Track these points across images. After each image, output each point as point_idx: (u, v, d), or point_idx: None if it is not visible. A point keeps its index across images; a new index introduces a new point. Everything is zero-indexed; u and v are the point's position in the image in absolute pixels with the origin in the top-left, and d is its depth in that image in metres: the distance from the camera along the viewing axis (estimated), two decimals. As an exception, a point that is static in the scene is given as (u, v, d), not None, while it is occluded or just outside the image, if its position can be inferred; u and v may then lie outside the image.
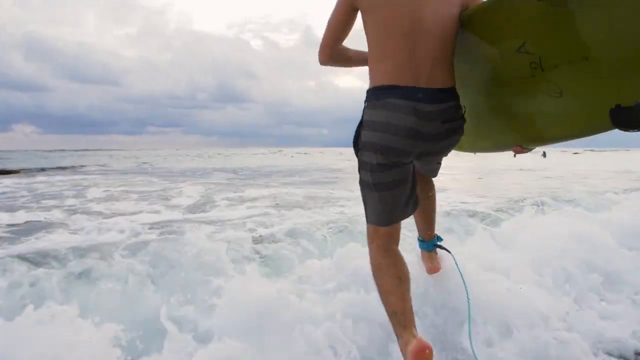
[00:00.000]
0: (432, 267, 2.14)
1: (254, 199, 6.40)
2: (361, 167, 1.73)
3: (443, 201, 5.13)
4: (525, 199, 5.54)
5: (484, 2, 1.64)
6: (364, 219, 1.85)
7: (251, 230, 3.61)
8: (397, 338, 1.58)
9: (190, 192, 7.71)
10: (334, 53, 1.83)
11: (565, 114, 1.57)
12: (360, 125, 1.73)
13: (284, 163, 24.17)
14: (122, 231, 3.56)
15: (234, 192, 7.85)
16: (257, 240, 3.12)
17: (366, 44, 1.72)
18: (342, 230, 3.51)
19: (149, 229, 3.70)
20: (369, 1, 1.66)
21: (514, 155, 1.90)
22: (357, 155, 1.75)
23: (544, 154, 41.85)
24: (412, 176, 1.76)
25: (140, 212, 5.11)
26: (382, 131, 1.61)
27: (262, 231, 3.50)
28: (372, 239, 1.79)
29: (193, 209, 5.49)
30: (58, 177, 12.30)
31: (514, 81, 1.63)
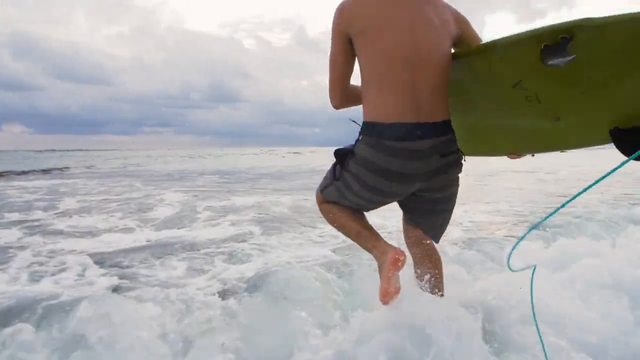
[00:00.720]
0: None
1: (238, 211, 5.94)
2: (344, 184, 1.68)
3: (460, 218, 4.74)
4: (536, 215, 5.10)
5: (480, 45, 1.65)
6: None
7: (222, 282, 2.80)
8: (371, 251, 1.64)
9: (171, 200, 7.26)
10: (344, 95, 1.74)
11: (563, 133, 1.62)
12: (352, 153, 1.64)
13: (275, 164, 23.71)
14: (62, 270, 3.04)
15: (219, 200, 7.39)
16: (225, 295, 2.47)
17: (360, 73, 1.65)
18: (342, 275, 2.73)
19: (100, 268, 3.14)
20: (363, 28, 1.57)
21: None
22: (337, 169, 1.72)
23: (532, 154, 43.06)
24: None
25: (109, 230, 4.64)
26: (376, 173, 1.57)
27: (234, 272, 2.97)
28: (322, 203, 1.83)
29: (169, 224, 5.03)
30: (37, 182, 11.74)
31: (511, 106, 1.64)
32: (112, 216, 5.62)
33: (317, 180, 1.91)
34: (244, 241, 3.97)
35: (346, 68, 1.69)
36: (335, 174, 1.72)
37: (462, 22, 1.71)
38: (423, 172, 1.56)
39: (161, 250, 3.61)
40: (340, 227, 1.78)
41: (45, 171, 17.82)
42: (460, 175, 1.72)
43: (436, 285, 1.77)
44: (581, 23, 1.19)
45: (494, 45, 1.51)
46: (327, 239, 3.89)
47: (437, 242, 1.84)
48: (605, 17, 1.17)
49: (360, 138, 1.62)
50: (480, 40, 1.73)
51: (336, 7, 1.65)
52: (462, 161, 1.68)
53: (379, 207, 1.76)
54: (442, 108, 1.61)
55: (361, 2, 1.62)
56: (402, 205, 1.81)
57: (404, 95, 1.53)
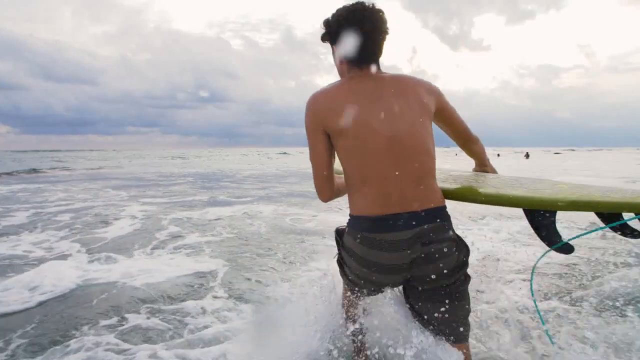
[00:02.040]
0: None
1: (206, 229, 5.01)
2: (344, 266, 1.69)
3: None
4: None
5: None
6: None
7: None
8: None
9: (133, 212, 6.29)
10: (331, 189, 1.67)
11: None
12: (342, 244, 1.67)
13: (258, 166, 22.71)
14: None
15: (189, 210, 6.44)
16: None
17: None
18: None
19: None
20: (339, 128, 1.52)
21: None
22: (338, 248, 1.73)
23: (527, 155, 42.25)
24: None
25: (38, 262, 3.67)
26: (359, 264, 1.56)
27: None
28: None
29: (113, 251, 4.05)
30: (-4, 188, 10.67)
31: None
32: (52, 237, 4.65)
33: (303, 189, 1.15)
34: (200, 297, 2.82)
35: (329, 162, 1.63)
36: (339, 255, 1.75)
37: (437, 96, 1.67)
38: (401, 264, 1.50)
39: (69, 312, 2.58)
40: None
41: (10, 174, 16.64)
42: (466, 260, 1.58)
43: None
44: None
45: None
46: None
47: (459, 341, 1.60)
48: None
49: (347, 230, 1.62)
50: (456, 113, 1.77)
51: (307, 101, 1.61)
52: (456, 249, 1.55)
53: (375, 291, 1.71)
54: (432, 194, 1.55)
55: (331, 98, 1.56)
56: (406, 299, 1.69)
57: (386, 188, 1.50)
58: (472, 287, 1.59)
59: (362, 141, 1.51)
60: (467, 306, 1.58)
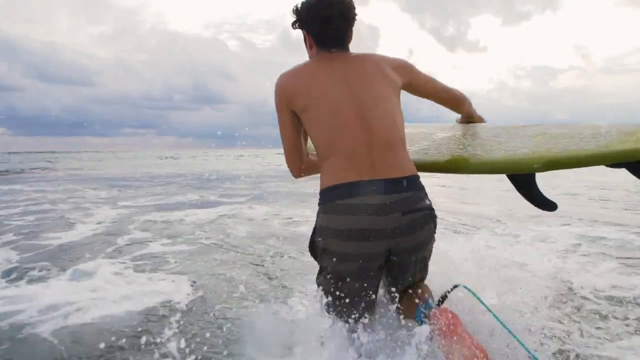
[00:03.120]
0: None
1: (177, 235, 4.21)
2: (322, 272, 1.60)
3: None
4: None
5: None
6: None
7: None
8: None
9: (103, 215, 5.49)
10: (302, 165, 1.71)
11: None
12: (314, 232, 1.62)
13: (249, 167, 21.93)
14: None
15: (166, 213, 5.64)
16: None
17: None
18: None
19: None
20: (305, 104, 1.56)
21: None
22: (316, 260, 1.65)
23: None
24: (377, 283, 1.62)
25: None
26: (339, 237, 1.48)
27: None
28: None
29: (55, 260, 3.27)
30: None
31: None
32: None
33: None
34: (150, 342, 1.86)
35: (297, 139, 1.68)
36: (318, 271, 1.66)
37: (403, 70, 1.71)
38: (384, 229, 1.45)
39: None
40: None
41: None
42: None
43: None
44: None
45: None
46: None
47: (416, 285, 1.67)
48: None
49: (318, 209, 1.57)
50: (431, 79, 1.79)
51: (275, 83, 1.65)
52: (432, 219, 1.56)
53: (361, 299, 1.55)
54: (402, 163, 1.55)
55: (297, 77, 1.62)
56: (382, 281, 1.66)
57: (357, 157, 1.49)
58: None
59: (327, 114, 1.53)
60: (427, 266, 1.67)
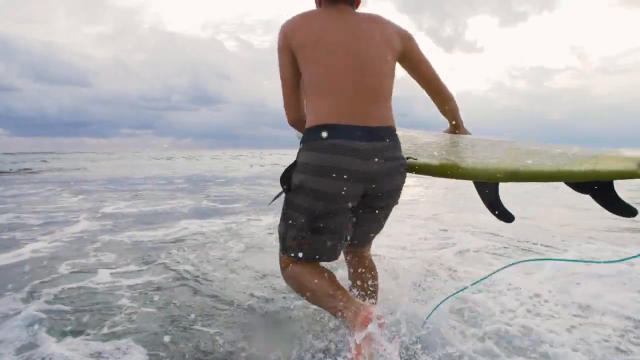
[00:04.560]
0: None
1: (140, 267, 3.36)
2: (293, 208, 1.61)
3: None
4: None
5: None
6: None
7: None
8: (342, 311, 1.47)
9: (60, 235, 4.64)
10: (298, 110, 1.75)
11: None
12: (294, 166, 1.61)
13: (242, 167, 21.09)
14: None
15: (133, 231, 4.81)
16: None
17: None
18: None
19: None
20: (302, 40, 1.61)
21: None
22: (285, 193, 1.65)
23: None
24: (350, 225, 1.66)
25: None
26: (319, 175, 1.51)
27: None
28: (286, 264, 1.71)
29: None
30: None
31: None
32: None
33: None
34: None
35: (296, 82, 1.70)
36: (284, 207, 1.67)
37: (406, 39, 1.74)
38: (365, 172, 1.51)
39: None
40: (310, 292, 1.59)
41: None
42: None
43: (372, 295, 1.85)
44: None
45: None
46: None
47: (365, 246, 1.89)
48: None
49: (301, 147, 1.60)
50: (427, 60, 1.81)
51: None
52: (405, 170, 1.66)
53: (333, 236, 1.60)
54: (384, 114, 1.61)
55: (301, 19, 1.65)
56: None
57: (344, 99, 1.54)
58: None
59: (322, 54, 1.58)
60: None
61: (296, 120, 1.76)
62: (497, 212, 1.73)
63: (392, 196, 1.64)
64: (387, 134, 1.57)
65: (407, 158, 1.69)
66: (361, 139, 1.50)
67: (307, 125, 1.59)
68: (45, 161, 33.78)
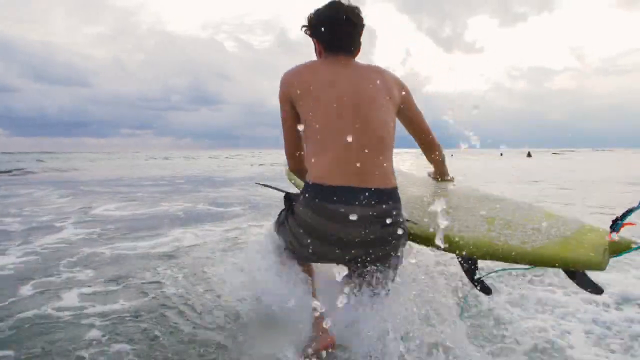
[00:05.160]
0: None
1: (111, 290, 2.91)
2: (289, 232, 1.68)
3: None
4: None
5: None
6: None
7: None
8: (314, 321, 1.59)
9: (33, 246, 4.22)
10: (298, 159, 1.79)
11: None
12: (291, 211, 1.65)
13: (247, 167, 20.64)
14: None
15: (131, 240, 4.36)
16: None
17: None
18: None
19: None
20: (302, 92, 1.60)
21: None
22: (276, 228, 1.81)
23: (529, 154, 42.39)
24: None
25: None
26: (311, 236, 1.55)
27: None
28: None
29: None
30: None
31: None
32: None
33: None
34: None
35: (296, 131, 1.69)
36: (281, 219, 1.75)
37: (405, 91, 1.75)
38: (360, 240, 1.50)
39: None
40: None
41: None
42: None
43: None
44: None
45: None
46: None
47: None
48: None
49: (301, 198, 1.59)
50: (421, 114, 1.83)
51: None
52: (405, 232, 1.61)
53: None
54: (386, 171, 1.57)
55: (301, 70, 1.67)
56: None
57: (343, 155, 1.51)
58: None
59: (323, 107, 1.56)
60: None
61: (296, 170, 1.83)
62: (473, 282, 1.75)
63: (390, 259, 1.61)
64: (388, 197, 1.55)
65: (407, 220, 1.68)
66: (360, 203, 1.48)
67: (307, 178, 1.58)
68: (41, 160, 33.38)
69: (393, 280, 1.66)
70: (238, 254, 3.34)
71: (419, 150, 2.06)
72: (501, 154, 45.80)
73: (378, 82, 1.65)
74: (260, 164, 25.31)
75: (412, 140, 1.94)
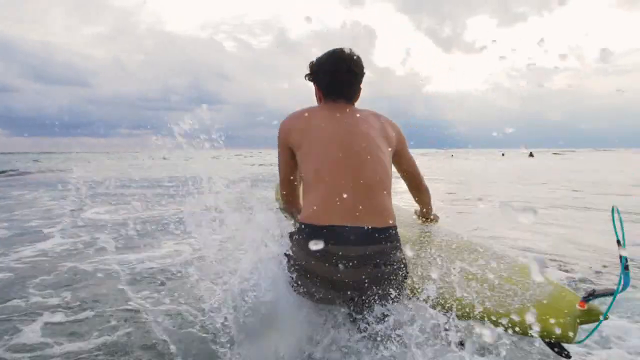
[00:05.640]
0: None
1: (78, 320, 2.53)
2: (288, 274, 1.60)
3: None
4: None
5: None
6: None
7: None
8: None
9: (32, 251, 3.85)
10: (291, 197, 1.82)
11: None
12: (288, 255, 1.60)
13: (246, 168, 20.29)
14: None
15: (96, 260, 3.99)
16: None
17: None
18: None
19: None
20: (300, 137, 1.64)
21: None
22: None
23: (531, 154, 42.38)
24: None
25: None
26: (305, 277, 1.51)
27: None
28: None
29: None
30: None
31: None
32: None
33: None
34: None
35: (292, 174, 1.75)
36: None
37: (400, 136, 1.79)
38: (353, 281, 1.45)
39: None
40: None
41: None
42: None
43: None
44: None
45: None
46: None
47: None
48: None
49: (294, 239, 1.57)
50: (413, 159, 1.90)
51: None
52: (404, 269, 1.56)
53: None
54: (383, 211, 1.53)
55: (298, 117, 1.70)
56: None
57: (340, 196, 1.48)
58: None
59: (319, 149, 1.59)
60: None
61: (289, 209, 1.86)
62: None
63: (384, 298, 1.51)
64: (384, 236, 1.50)
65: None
66: (354, 243, 1.45)
67: (301, 217, 1.56)
68: (37, 161, 33.04)
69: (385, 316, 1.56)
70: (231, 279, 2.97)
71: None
72: (502, 154, 45.80)
73: (375, 125, 1.69)
74: (260, 164, 24.96)
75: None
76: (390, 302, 1.51)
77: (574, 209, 6.18)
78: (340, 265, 1.42)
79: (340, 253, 1.42)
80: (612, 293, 1.28)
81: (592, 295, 1.36)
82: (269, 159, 33.48)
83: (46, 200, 7.60)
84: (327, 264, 1.44)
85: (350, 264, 1.43)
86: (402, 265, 1.53)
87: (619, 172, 15.79)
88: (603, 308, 1.30)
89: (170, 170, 19.47)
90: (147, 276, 2.98)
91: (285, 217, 2.08)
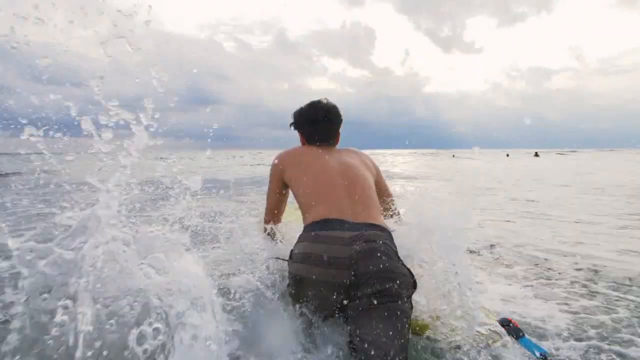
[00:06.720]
0: None
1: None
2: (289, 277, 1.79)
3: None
4: None
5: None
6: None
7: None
8: None
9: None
10: (274, 219, 2.10)
11: None
12: (288, 261, 1.75)
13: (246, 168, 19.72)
14: None
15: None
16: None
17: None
18: None
19: None
20: (294, 171, 1.93)
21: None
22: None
23: (536, 154, 42.16)
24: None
25: None
26: (304, 262, 1.61)
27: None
28: None
29: None
30: None
31: None
32: None
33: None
34: None
35: (277, 202, 2.06)
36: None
37: (376, 168, 2.13)
38: (347, 256, 1.54)
39: None
40: None
41: None
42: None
43: None
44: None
45: None
46: None
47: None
48: None
49: (292, 250, 1.72)
50: (387, 186, 2.16)
51: (273, 158, 2.05)
52: (398, 259, 1.62)
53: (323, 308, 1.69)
54: (379, 220, 1.74)
55: (290, 153, 2.03)
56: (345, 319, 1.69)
57: (334, 204, 1.73)
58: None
59: (313, 174, 1.86)
60: (406, 333, 1.46)
61: (270, 222, 2.09)
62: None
63: (382, 281, 1.49)
64: (379, 228, 1.68)
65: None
66: (348, 229, 1.63)
67: (305, 222, 1.78)
68: (29, 161, 32.51)
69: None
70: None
71: (409, 150, 2.26)
72: (507, 155, 45.76)
73: (357, 158, 2.03)
74: (259, 164, 24.39)
75: (402, 142, 2.25)
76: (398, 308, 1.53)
77: (622, 219, 5.53)
78: (333, 244, 1.57)
79: (332, 235, 1.61)
80: (517, 337, 1.65)
81: (505, 326, 1.71)
82: (268, 160, 32.98)
83: (26, 203, 6.94)
84: (322, 244, 1.59)
85: (342, 242, 1.58)
86: (394, 250, 1.63)
87: (636, 173, 15.21)
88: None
89: (171, 169, 18.73)
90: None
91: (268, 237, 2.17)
